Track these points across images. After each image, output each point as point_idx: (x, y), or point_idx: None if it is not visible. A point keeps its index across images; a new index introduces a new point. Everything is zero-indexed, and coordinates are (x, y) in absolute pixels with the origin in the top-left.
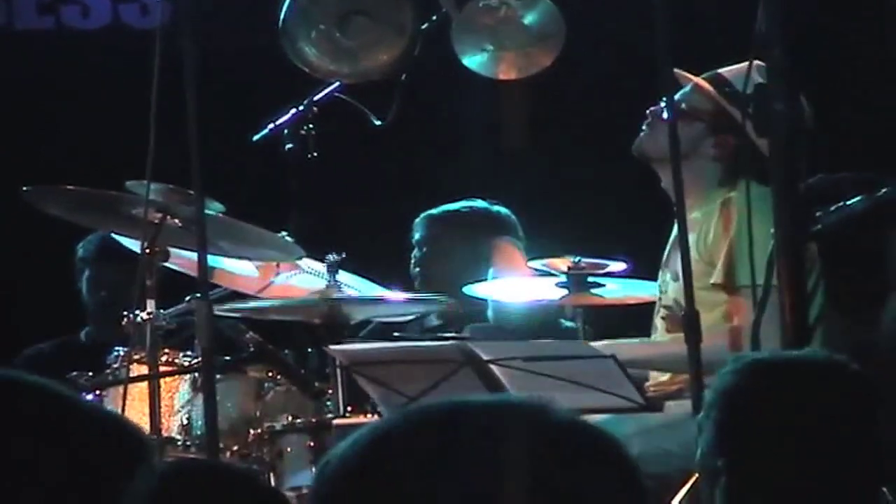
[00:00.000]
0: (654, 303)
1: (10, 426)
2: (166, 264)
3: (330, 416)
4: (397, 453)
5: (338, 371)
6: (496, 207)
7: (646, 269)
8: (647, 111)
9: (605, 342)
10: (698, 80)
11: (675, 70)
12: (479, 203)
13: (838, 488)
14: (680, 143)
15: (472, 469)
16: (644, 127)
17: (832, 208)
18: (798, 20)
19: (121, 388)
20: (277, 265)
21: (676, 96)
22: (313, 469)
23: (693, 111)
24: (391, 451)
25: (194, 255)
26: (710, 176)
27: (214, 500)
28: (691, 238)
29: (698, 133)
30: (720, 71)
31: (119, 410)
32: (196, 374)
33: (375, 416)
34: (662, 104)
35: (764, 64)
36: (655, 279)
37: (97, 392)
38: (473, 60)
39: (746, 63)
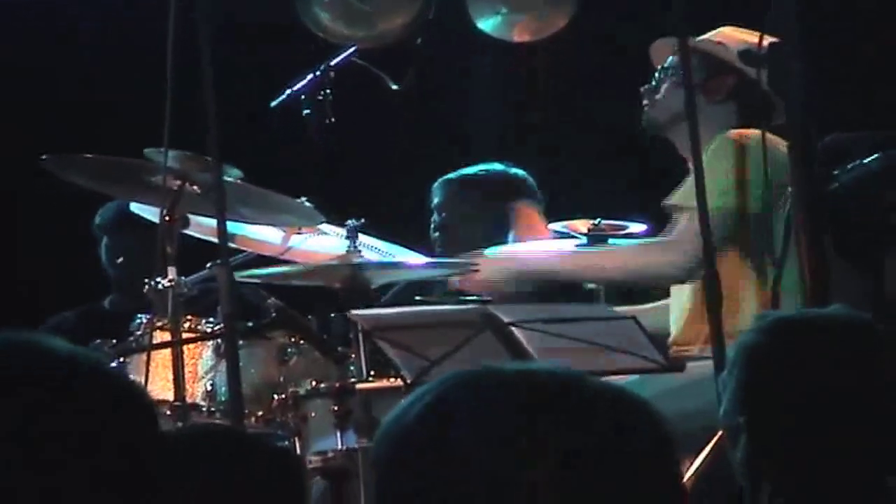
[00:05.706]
0: None
1: (13, 386)
2: (187, 231)
3: (353, 380)
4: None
5: (360, 336)
6: (514, 170)
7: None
8: (641, 90)
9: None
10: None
11: (652, 47)
12: (497, 166)
13: (858, 447)
14: (679, 107)
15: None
16: (644, 103)
17: (848, 167)
18: None
19: (144, 356)
20: (299, 229)
21: (666, 64)
22: (338, 433)
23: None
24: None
25: (213, 222)
26: (721, 123)
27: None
28: None
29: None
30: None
31: (143, 377)
32: (219, 341)
33: (398, 381)
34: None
35: None
36: None
37: (120, 359)
38: (488, 23)
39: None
